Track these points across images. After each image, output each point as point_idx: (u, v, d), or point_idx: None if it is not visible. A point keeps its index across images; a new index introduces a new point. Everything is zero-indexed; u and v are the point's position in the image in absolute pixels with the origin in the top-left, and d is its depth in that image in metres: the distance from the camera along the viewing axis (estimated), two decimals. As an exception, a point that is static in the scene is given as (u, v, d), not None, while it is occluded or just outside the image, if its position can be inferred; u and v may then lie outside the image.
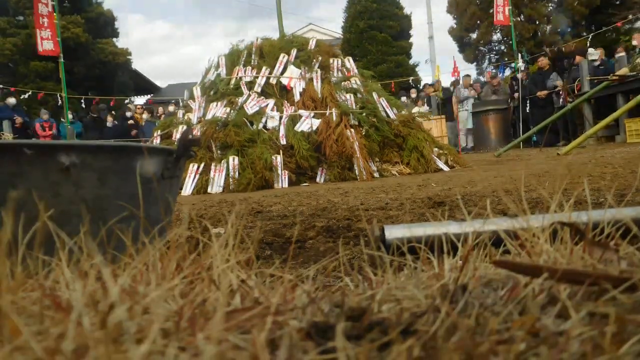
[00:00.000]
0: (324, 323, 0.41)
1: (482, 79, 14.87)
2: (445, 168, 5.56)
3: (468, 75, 13.24)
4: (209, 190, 4.84)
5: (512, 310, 0.45)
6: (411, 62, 20.24)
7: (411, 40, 20.52)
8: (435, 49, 18.19)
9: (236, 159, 4.96)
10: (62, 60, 11.26)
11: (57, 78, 13.49)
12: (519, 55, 12.35)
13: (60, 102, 11.82)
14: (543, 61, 10.70)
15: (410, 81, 17.39)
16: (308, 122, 5.42)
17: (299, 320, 0.44)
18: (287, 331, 0.41)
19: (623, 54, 9.28)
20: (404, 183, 3.82)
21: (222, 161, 5.00)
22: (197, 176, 4.96)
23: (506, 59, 16.56)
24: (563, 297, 0.46)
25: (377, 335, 0.40)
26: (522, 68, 11.70)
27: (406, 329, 0.41)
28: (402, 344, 0.37)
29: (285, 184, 4.92)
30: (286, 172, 5.01)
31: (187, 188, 4.87)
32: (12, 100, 10.97)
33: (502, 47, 21.74)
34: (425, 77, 24.40)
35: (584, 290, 0.48)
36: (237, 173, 4.88)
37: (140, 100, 22.05)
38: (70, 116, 11.63)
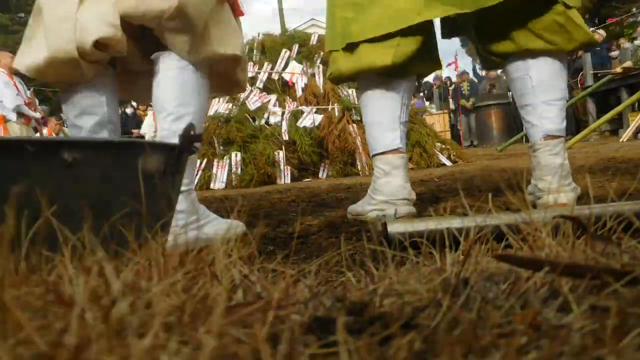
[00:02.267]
0: (326, 317, 0.42)
1: (482, 73, 14.79)
2: (448, 163, 5.54)
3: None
4: (211, 186, 4.84)
5: (513, 303, 0.45)
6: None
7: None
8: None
9: (238, 154, 4.97)
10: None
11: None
12: None
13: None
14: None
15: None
16: (310, 118, 5.42)
17: (301, 314, 0.44)
18: (289, 325, 0.41)
19: (628, 45, 9.17)
20: (407, 178, 3.81)
21: (225, 157, 5.00)
22: (200, 172, 4.96)
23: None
24: (565, 290, 0.46)
25: (379, 329, 0.40)
26: None
27: (408, 323, 0.41)
28: (404, 337, 0.37)
29: (288, 180, 4.92)
30: (288, 167, 5.01)
31: (190, 184, 4.87)
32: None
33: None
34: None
35: (586, 283, 0.48)
36: (239, 169, 4.88)
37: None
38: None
